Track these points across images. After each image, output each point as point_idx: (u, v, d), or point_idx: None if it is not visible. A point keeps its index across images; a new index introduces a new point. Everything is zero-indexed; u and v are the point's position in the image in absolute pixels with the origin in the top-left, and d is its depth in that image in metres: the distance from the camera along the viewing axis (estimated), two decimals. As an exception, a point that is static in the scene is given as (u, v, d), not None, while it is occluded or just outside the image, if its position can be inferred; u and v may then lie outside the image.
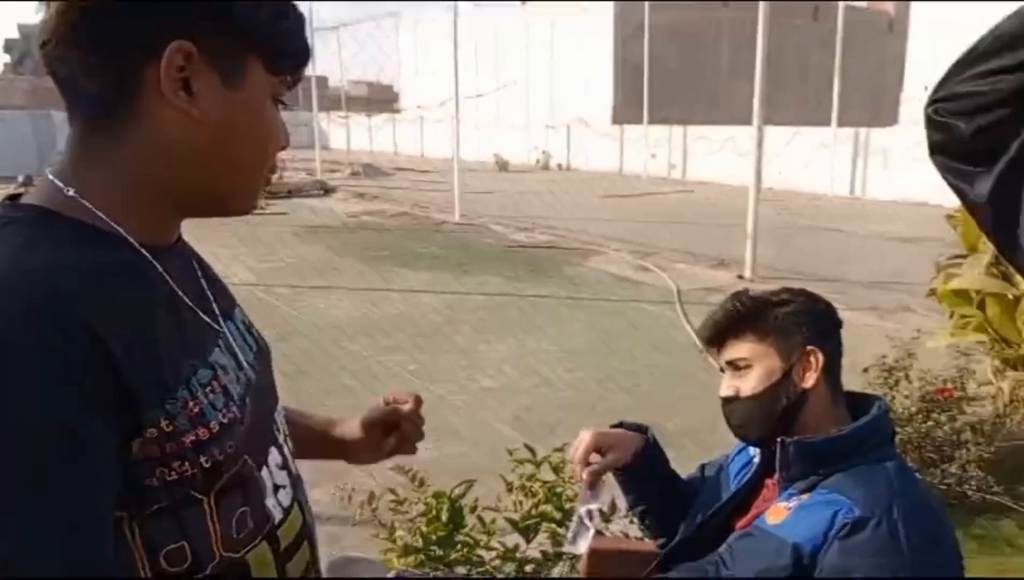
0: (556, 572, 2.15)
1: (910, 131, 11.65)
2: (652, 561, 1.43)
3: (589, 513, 1.43)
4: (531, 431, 4.22)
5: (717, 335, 1.38)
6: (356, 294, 6.34)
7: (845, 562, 1.13)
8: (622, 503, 2.16)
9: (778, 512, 1.24)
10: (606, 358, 5.16)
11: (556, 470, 2.13)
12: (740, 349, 1.34)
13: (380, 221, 11.34)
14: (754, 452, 1.44)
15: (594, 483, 1.43)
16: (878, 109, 21.24)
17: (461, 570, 1.98)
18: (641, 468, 1.49)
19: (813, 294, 1.40)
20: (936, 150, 1.07)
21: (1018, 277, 3.87)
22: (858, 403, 1.37)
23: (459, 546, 2.00)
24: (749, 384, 1.32)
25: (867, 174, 15.10)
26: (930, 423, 3.27)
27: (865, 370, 3.55)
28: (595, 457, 1.44)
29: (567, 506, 2.10)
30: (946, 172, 1.07)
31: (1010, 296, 3.86)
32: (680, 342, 5.71)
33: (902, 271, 7.24)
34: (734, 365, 1.35)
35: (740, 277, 7.70)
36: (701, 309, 6.69)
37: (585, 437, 1.44)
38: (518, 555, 2.06)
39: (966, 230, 4.01)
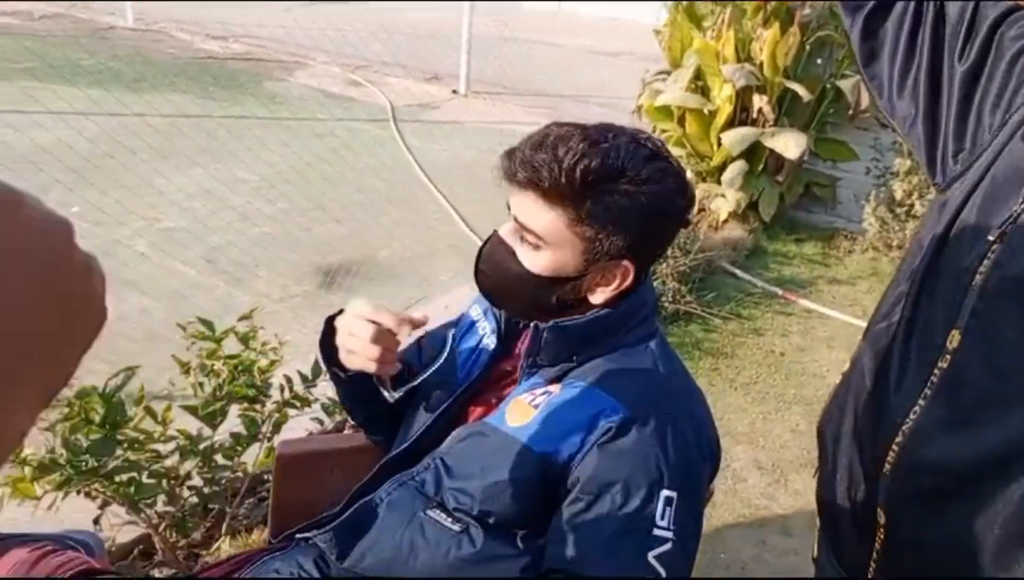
0: (250, 456, 1.84)
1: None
2: (357, 462, 1.15)
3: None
4: (225, 273, 3.75)
5: (521, 178, 0.94)
6: (-6, 117, 5.06)
7: (605, 470, 0.92)
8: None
9: (522, 410, 0.99)
10: (313, 185, 4.68)
11: (245, 341, 1.75)
12: (537, 218, 0.94)
13: (26, 24, 9.21)
14: (484, 330, 1.16)
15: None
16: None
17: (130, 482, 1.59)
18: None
19: (682, 174, 0.99)
20: None
21: (714, 92, 4.02)
22: None
23: (125, 446, 1.60)
24: (529, 259, 0.98)
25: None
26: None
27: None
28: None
29: (262, 379, 1.76)
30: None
31: (706, 111, 4.01)
32: (395, 163, 5.36)
33: (609, 85, 7.42)
34: (521, 227, 0.97)
35: (455, 92, 7.43)
36: (416, 127, 6.36)
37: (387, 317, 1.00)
38: (202, 446, 1.70)
39: (671, 45, 4.04)
